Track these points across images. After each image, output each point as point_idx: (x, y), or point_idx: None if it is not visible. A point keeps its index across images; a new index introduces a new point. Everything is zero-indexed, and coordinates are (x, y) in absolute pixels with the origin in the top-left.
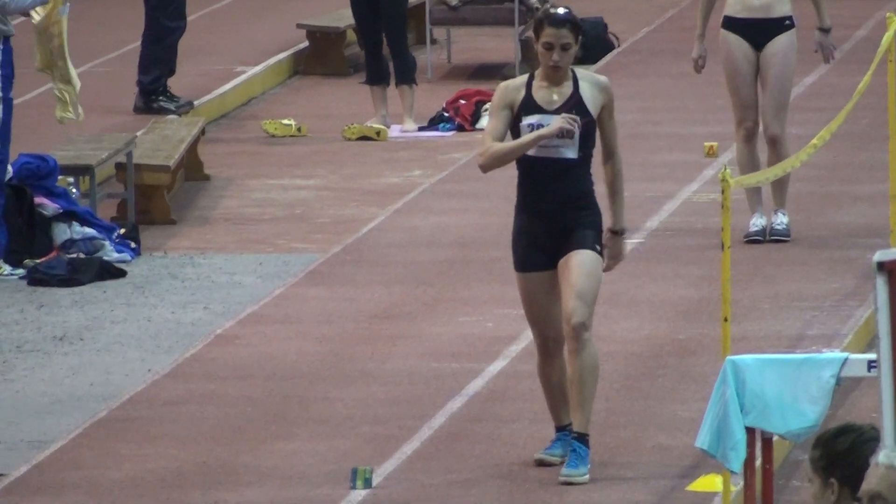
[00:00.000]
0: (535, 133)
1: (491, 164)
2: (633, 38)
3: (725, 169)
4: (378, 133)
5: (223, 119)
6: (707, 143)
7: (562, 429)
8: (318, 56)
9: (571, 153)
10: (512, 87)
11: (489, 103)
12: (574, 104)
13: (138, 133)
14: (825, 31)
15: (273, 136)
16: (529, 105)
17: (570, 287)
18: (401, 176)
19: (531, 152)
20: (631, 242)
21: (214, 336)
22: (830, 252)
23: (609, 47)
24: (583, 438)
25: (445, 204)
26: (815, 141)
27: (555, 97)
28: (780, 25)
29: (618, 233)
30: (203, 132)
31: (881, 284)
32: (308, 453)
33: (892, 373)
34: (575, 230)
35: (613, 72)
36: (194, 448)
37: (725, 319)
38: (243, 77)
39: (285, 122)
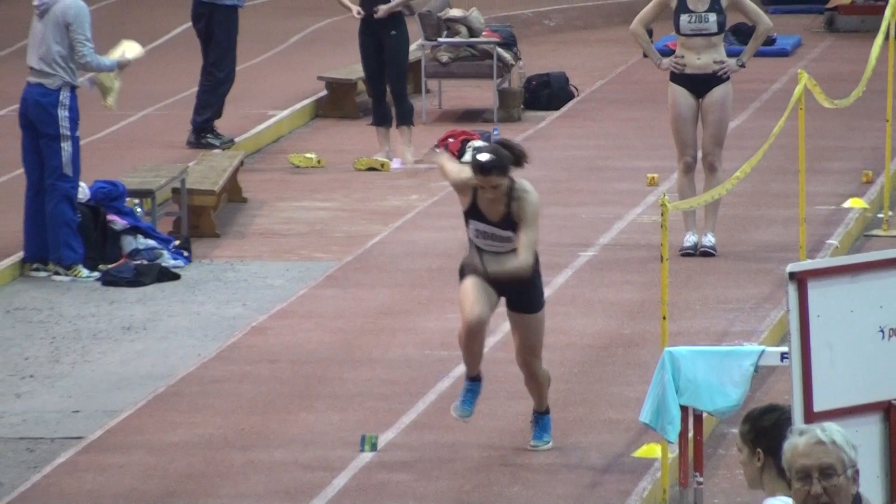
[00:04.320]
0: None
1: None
2: (590, 88)
3: (664, 196)
4: (382, 165)
5: (258, 153)
6: (649, 175)
7: (473, 379)
8: (335, 102)
9: (513, 247)
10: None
11: (472, 140)
12: (506, 222)
13: (190, 164)
14: (740, 65)
15: (298, 167)
16: (475, 211)
17: (524, 345)
18: (401, 199)
19: (478, 244)
20: (586, 255)
21: (251, 328)
22: (750, 264)
23: (570, 96)
24: (544, 413)
25: (437, 222)
26: (738, 173)
27: (493, 215)
28: (717, 78)
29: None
30: (242, 163)
31: (792, 291)
32: (325, 423)
33: (801, 363)
34: (522, 292)
35: (574, 116)
36: (234, 418)
37: (664, 318)
38: (274, 119)
39: (308, 155)
